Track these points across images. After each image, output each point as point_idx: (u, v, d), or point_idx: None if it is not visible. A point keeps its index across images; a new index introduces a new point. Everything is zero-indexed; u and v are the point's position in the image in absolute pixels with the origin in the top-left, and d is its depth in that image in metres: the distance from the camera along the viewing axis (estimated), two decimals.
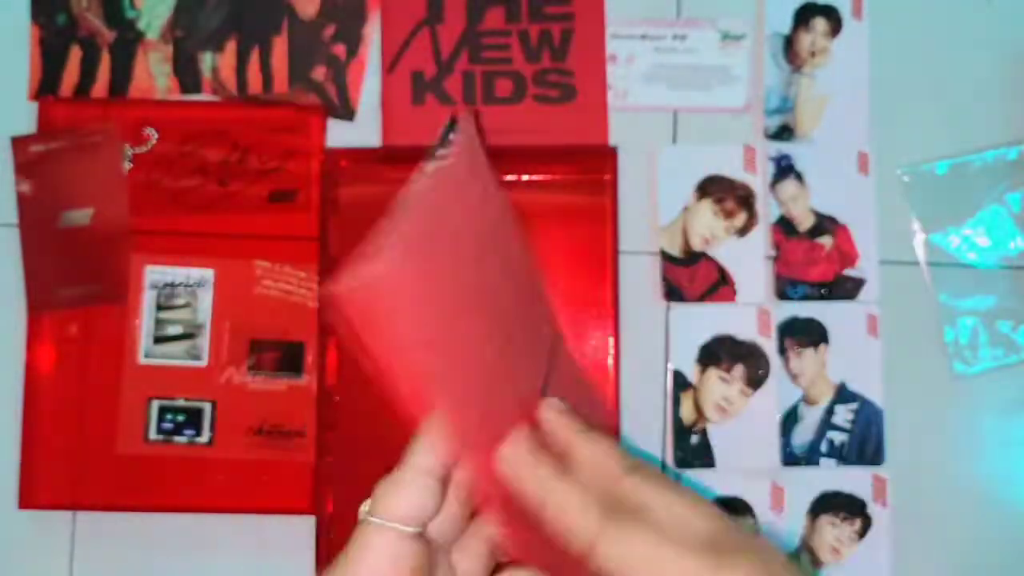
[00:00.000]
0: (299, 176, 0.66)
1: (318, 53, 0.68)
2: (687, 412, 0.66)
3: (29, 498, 0.65)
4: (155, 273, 0.65)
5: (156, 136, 0.67)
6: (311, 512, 0.64)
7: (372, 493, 0.38)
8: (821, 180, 0.68)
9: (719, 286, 0.67)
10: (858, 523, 0.66)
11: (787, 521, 0.66)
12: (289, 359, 0.65)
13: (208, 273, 0.65)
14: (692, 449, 0.66)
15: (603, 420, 0.49)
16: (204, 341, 0.65)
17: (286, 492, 0.65)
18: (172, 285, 0.65)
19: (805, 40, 0.68)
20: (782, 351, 0.66)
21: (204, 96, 0.68)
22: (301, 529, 0.65)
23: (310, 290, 0.66)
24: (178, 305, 0.65)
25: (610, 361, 0.65)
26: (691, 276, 0.67)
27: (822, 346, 0.67)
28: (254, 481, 0.65)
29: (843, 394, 0.66)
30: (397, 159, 0.67)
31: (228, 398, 0.65)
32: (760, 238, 0.67)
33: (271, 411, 0.65)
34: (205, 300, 0.65)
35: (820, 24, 0.68)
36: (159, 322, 0.65)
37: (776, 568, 0.38)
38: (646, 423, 0.66)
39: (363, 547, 0.37)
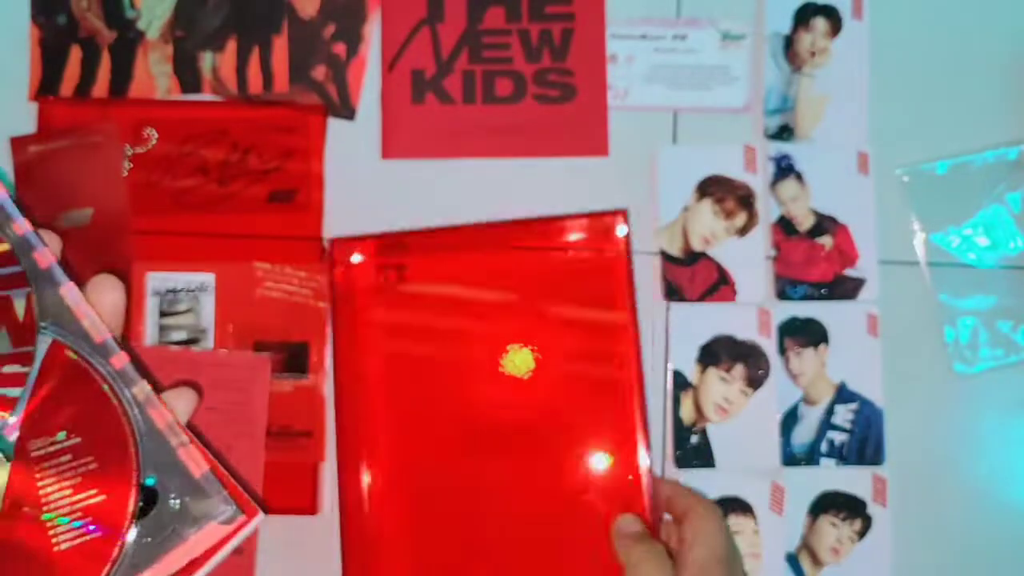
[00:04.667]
0: (299, 176, 0.66)
1: (318, 52, 0.68)
2: (687, 412, 0.66)
3: None
4: (156, 280, 0.65)
5: (156, 136, 0.67)
6: (311, 511, 0.65)
7: None
8: (821, 180, 0.68)
9: (719, 286, 0.67)
10: (858, 523, 0.66)
11: (787, 521, 0.66)
12: (294, 359, 0.65)
13: (209, 278, 0.65)
14: (692, 449, 0.66)
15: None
16: (209, 345, 0.65)
17: (293, 494, 0.65)
18: (174, 291, 0.65)
19: (805, 40, 0.68)
20: (782, 351, 0.67)
21: (204, 96, 0.68)
22: (303, 530, 0.65)
23: (311, 290, 0.66)
24: (181, 311, 0.65)
25: None
26: (691, 276, 0.67)
27: (822, 346, 0.67)
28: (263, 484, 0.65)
29: (843, 394, 0.66)
30: None
31: None
32: (760, 238, 0.67)
33: (279, 412, 0.65)
34: (207, 305, 0.65)
35: (820, 24, 0.68)
36: (163, 328, 0.65)
37: None
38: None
39: None
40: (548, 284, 0.64)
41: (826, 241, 0.67)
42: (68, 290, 0.42)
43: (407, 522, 0.63)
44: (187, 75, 0.68)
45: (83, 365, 0.41)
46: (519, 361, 0.64)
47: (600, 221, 0.65)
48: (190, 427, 0.42)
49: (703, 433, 0.66)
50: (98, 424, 0.41)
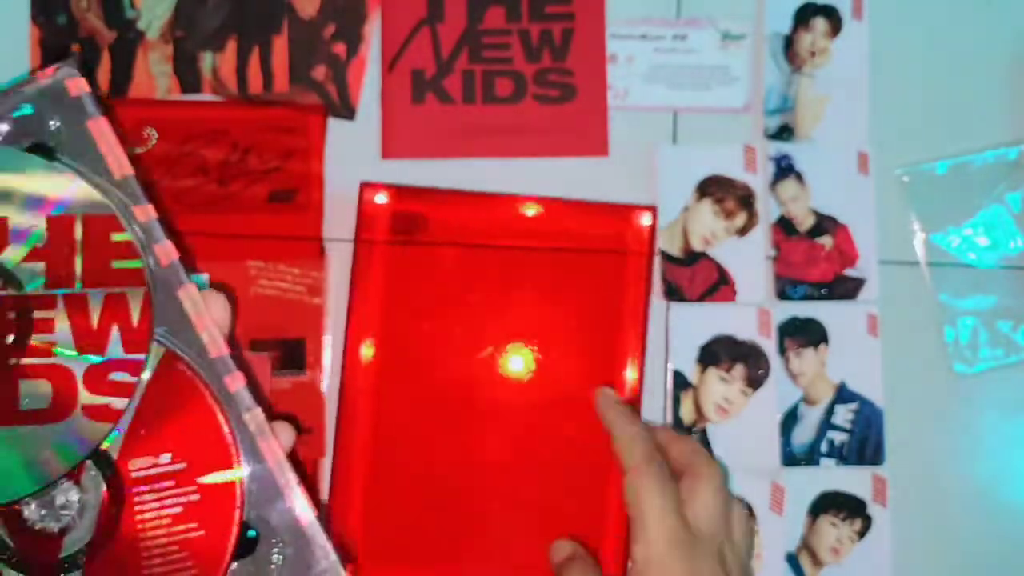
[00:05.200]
0: (299, 176, 0.66)
1: (318, 52, 0.68)
2: (687, 412, 0.66)
3: None
4: None
5: (156, 136, 0.67)
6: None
7: None
8: (821, 180, 0.68)
9: (719, 286, 0.67)
10: (858, 523, 0.66)
11: (787, 521, 0.66)
12: (290, 357, 0.65)
13: (203, 278, 0.65)
14: None
15: None
16: None
17: None
18: None
19: (805, 40, 0.68)
20: (782, 351, 0.66)
21: (204, 96, 0.68)
22: None
23: (305, 286, 0.66)
24: None
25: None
26: (691, 276, 0.67)
27: (822, 346, 0.67)
28: None
29: (843, 394, 0.66)
30: None
31: None
32: (760, 238, 0.67)
33: (278, 410, 0.65)
34: None
35: (820, 24, 0.68)
36: None
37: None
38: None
39: None
40: (564, 262, 0.65)
41: (826, 241, 0.67)
42: (188, 292, 0.38)
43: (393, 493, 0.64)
44: (187, 75, 0.68)
45: (197, 383, 0.37)
46: (518, 355, 0.65)
47: (626, 213, 0.66)
48: (293, 462, 0.38)
49: (703, 433, 0.66)
50: (205, 451, 0.37)
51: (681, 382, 0.66)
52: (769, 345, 0.66)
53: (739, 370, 0.66)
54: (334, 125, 0.68)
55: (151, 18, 0.68)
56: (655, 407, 0.66)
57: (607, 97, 0.68)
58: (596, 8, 0.68)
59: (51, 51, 0.68)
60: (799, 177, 0.68)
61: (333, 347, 0.66)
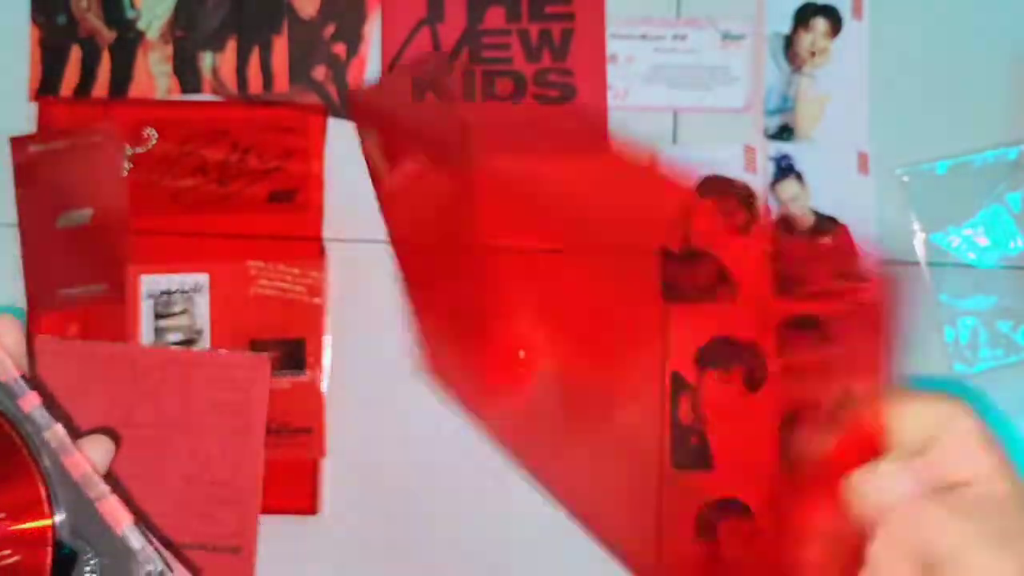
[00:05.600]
0: (299, 176, 0.67)
1: (318, 52, 0.68)
2: (686, 413, 0.66)
3: None
4: (150, 282, 0.65)
5: (156, 136, 0.67)
6: (311, 511, 0.65)
7: None
8: (821, 180, 0.68)
9: (719, 286, 0.67)
10: None
11: None
12: (290, 356, 0.65)
13: (203, 278, 0.65)
14: (691, 450, 0.66)
15: None
16: (205, 346, 0.65)
17: (293, 494, 0.65)
18: (168, 293, 0.65)
19: (805, 40, 0.68)
20: (782, 351, 0.66)
21: (204, 96, 0.68)
22: (303, 530, 0.65)
23: (305, 286, 0.66)
24: (176, 312, 0.65)
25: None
26: (691, 276, 0.67)
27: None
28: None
29: None
30: None
31: None
32: (760, 238, 0.67)
33: (278, 409, 0.65)
34: (202, 305, 0.65)
35: (820, 24, 0.68)
36: (159, 331, 0.65)
37: None
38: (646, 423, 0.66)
39: None
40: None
41: (826, 241, 0.67)
42: None
43: None
44: (187, 75, 0.68)
45: None
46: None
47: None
48: (109, 478, 0.38)
49: (702, 435, 0.66)
50: (7, 476, 0.37)
51: (680, 383, 0.66)
52: (769, 344, 0.66)
53: (739, 371, 0.66)
54: (334, 125, 0.68)
55: (151, 18, 0.68)
56: (655, 407, 0.66)
57: (607, 97, 0.68)
58: (596, 8, 0.68)
59: (51, 51, 0.68)
60: (799, 177, 0.68)
61: (333, 347, 0.66)
